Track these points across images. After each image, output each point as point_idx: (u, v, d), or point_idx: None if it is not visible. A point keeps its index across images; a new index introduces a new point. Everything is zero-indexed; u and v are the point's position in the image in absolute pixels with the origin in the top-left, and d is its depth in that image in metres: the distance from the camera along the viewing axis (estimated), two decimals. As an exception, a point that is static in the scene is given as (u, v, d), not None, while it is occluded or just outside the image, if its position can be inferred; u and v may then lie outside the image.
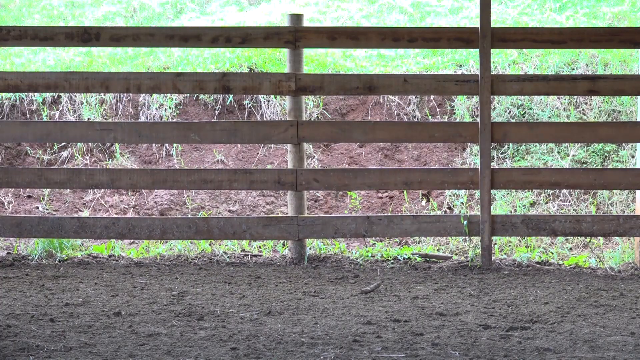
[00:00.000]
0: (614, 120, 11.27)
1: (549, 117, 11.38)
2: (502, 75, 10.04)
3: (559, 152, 11.20)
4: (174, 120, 11.36)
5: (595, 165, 11.06)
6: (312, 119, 11.29)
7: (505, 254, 10.00)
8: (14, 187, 10.29)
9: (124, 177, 9.59)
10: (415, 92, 9.90)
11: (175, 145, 11.25)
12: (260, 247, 10.16)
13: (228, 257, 9.83)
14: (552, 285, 8.65)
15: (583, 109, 11.50)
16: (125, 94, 11.50)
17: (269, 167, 11.12)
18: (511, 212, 9.80)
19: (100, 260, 9.66)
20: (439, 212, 10.71)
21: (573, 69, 11.74)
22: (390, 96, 11.47)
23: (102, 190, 10.88)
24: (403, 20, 13.38)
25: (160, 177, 9.60)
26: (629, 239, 9.90)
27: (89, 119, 11.36)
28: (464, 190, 10.73)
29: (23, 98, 11.55)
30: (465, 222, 9.47)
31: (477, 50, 9.52)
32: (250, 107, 11.58)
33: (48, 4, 14.62)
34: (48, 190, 10.88)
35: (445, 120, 11.35)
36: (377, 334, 6.71)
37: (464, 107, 11.44)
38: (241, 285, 8.53)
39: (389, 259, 9.83)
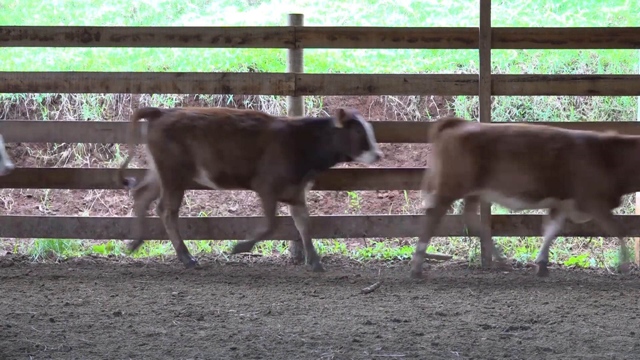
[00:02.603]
0: (614, 120, 11.26)
1: (549, 117, 11.38)
2: (502, 75, 10.06)
3: (559, 152, 11.18)
4: (174, 120, 11.33)
5: (596, 165, 11.04)
6: (312, 119, 11.27)
7: (505, 254, 9.99)
8: (13, 187, 10.31)
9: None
10: (415, 92, 9.89)
11: (175, 145, 11.22)
12: (260, 247, 10.16)
13: (228, 257, 9.83)
14: (552, 285, 8.65)
15: (583, 109, 11.50)
16: (125, 94, 11.49)
17: (269, 167, 11.10)
18: (511, 212, 9.77)
19: (100, 260, 9.66)
20: (439, 212, 10.69)
21: (573, 69, 11.74)
22: (390, 96, 11.46)
23: (102, 190, 10.87)
24: (403, 20, 13.38)
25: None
26: (629, 239, 9.89)
27: (89, 119, 11.36)
28: (464, 190, 10.70)
29: (23, 98, 11.54)
30: (465, 222, 9.47)
31: (477, 50, 9.52)
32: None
33: (48, 4, 14.62)
34: (48, 190, 10.88)
35: (445, 120, 11.34)
36: (377, 334, 6.71)
37: (464, 107, 11.43)
38: (241, 285, 8.53)
39: (389, 259, 9.83)
